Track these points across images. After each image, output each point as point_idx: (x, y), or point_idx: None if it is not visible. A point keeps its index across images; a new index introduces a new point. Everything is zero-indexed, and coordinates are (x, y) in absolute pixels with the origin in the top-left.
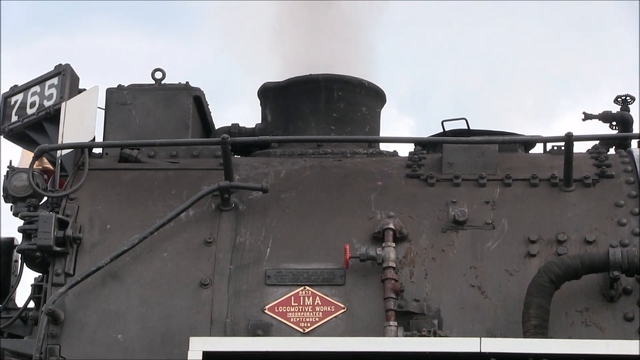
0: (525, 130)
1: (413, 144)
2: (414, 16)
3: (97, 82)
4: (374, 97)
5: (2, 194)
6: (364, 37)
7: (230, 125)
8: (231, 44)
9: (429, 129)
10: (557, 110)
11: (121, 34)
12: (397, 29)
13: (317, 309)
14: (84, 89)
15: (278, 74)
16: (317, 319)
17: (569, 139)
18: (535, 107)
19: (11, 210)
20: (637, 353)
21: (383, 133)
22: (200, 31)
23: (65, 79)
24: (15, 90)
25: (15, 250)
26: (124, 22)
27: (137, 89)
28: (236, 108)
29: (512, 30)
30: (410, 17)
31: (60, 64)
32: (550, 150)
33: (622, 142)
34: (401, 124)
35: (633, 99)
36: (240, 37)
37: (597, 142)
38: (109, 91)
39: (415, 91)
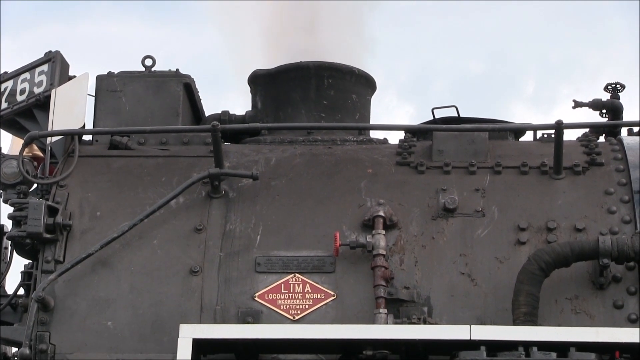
0: (526, 118)
1: (403, 132)
2: (414, 4)
3: (87, 69)
4: (364, 84)
5: None
6: (363, 25)
7: (220, 112)
8: (222, 30)
9: (429, 116)
10: (557, 97)
11: (113, 21)
12: (397, 16)
13: (307, 296)
14: (74, 76)
15: (271, 61)
16: (307, 307)
17: (559, 126)
18: (536, 95)
19: (1, 197)
20: (627, 340)
21: (382, 120)
22: (192, 19)
23: (55, 66)
24: (4, 77)
25: (5, 237)
26: (117, 8)
27: (127, 76)
28: (226, 96)
29: (513, 18)
30: (411, 5)
31: (50, 51)
32: (540, 138)
33: (612, 130)
34: (400, 111)
35: (623, 86)
36: (231, 24)
37: (587, 130)
38: (99, 78)
39: (415, 78)
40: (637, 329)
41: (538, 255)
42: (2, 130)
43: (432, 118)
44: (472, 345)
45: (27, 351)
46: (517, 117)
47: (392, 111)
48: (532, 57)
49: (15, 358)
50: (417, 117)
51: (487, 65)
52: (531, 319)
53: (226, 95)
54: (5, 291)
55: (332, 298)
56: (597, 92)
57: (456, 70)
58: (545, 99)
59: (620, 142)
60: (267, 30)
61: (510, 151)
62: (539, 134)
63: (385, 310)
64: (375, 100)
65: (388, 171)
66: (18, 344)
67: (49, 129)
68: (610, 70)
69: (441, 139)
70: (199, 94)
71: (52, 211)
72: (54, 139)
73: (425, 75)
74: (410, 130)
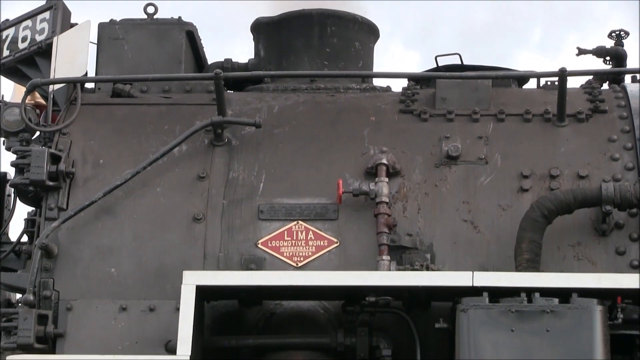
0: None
1: (406, 80)
2: None
3: (89, 16)
4: (367, 32)
5: None
6: None
7: (223, 60)
8: None
9: (434, 65)
10: (564, 45)
11: None
12: None
13: (310, 243)
14: (76, 24)
15: (274, 9)
16: (310, 254)
17: (563, 74)
18: (542, 43)
19: (3, 144)
20: (628, 286)
21: (387, 68)
22: None
23: (57, 13)
24: (6, 25)
25: (8, 185)
26: None
27: (129, 24)
28: (229, 44)
29: None
30: None
31: None
32: (543, 85)
33: (615, 77)
34: (406, 59)
35: (627, 33)
36: None
37: (590, 77)
38: (101, 26)
39: (422, 26)
40: (639, 275)
41: (541, 203)
42: (4, 78)
43: (435, 65)
44: (474, 291)
45: (31, 297)
46: (523, 65)
47: (398, 58)
48: (539, 5)
49: (19, 304)
50: (423, 65)
51: (494, 14)
52: (534, 266)
53: (229, 44)
54: (8, 238)
55: (335, 245)
56: (606, 38)
57: (463, 18)
58: (552, 47)
59: (624, 89)
60: None
61: (513, 99)
62: (543, 81)
63: (388, 257)
64: (381, 48)
65: (391, 119)
66: (22, 291)
67: (51, 76)
68: (618, 17)
69: (444, 86)
70: (202, 42)
71: (54, 159)
72: (57, 86)
73: (432, 23)
74: (413, 78)
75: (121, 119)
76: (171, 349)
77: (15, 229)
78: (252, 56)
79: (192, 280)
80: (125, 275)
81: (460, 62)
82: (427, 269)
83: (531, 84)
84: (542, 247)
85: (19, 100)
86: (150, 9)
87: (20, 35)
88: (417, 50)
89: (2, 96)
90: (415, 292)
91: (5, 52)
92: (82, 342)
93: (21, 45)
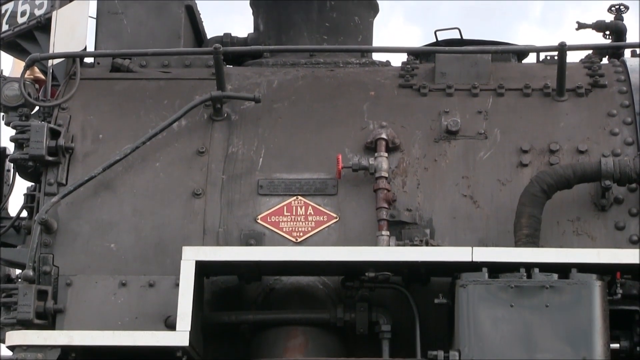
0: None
1: (406, 54)
2: None
3: None
4: (366, 6)
5: None
6: None
7: (222, 35)
8: None
9: (434, 39)
10: (564, 19)
11: None
12: None
13: (310, 218)
14: None
15: None
16: (309, 229)
17: (562, 48)
18: (543, 17)
19: (3, 119)
20: (628, 261)
21: (388, 42)
22: None
23: None
24: None
25: (7, 160)
26: None
27: None
28: (229, 18)
29: None
30: None
31: None
32: (543, 60)
33: (615, 52)
34: (407, 33)
35: (627, 8)
36: None
37: (590, 51)
38: (100, 0)
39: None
40: (638, 250)
41: (540, 178)
42: (3, 53)
43: (434, 40)
44: (474, 266)
45: (31, 273)
46: (523, 39)
47: (398, 33)
48: None
49: (19, 280)
50: (424, 39)
51: None
52: (533, 241)
53: (228, 18)
54: (8, 213)
55: (335, 220)
56: (606, 13)
57: None
58: (552, 20)
59: (624, 63)
60: None
61: (513, 73)
62: (542, 55)
63: (388, 233)
64: (382, 23)
65: (390, 94)
66: (21, 266)
67: (50, 51)
68: None
69: (444, 61)
70: (201, 16)
71: (54, 134)
72: (56, 61)
73: None
74: (412, 53)
75: (120, 93)
76: (171, 325)
77: (15, 204)
78: (252, 31)
79: (191, 255)
80: (125, 251)
81: (460, 37)
82: (427, 244)
83: (531, 58)
84: (542, 222)
85: (18, 75)
86: None
87: (20, 9)
88: (418, 25)
89: (2, 71)
90: (415, 268)
91: (5, 27)
92: (82, 317)
93: (20, 20)
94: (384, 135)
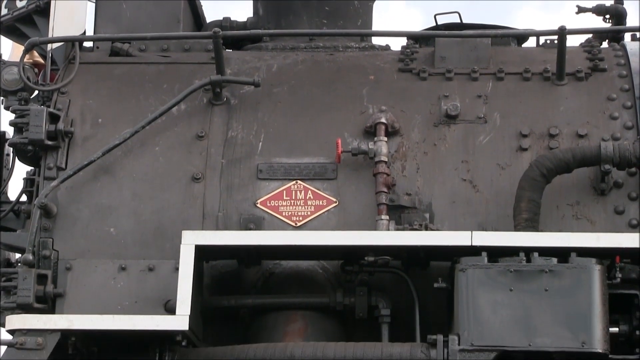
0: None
1: (406, 38)
2: None
3: None
4: None
5: None
6: None
7: (221, 19)
8: None
9: (433, 23)
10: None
11: None
12: None
13: (309, 202)
14: None
15: None
16: (309, 213)
17: (562, 32)
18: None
19: (2, 103)
20: (627, 245)
21: (388, 26)
22: None
23: None
24: None
25: (6, 144)
26: None
27: None
28: (228, 3)
29: None
30: None
31: None
32: (543, 44)
33: (615, 36)
34: (408, 17)
35: None
36: None
37: (590, 35)
38: None
39: None
40: (638, 234)
41: (540, 162)
42: (3, 37)
43: (434, 24)
44: (473, 251)
45: (30, 257)
46: (524, 22)
47: (399, 16)
48: None
49: (19, 264)
50: (425, 23)
51: None
52: (532, 225)
53: (228, 2)
54: (7, 198)
55: (334, 205)
56: None
57: None
58: (553, 4)
59: (624, 47)
60: None
61: (512, 57)
62: (542, 39)
63: (387, 217)
64: (382, 7)
65: (390, 78)
66: (21, 250)
67: (50, 35)
68: None
69: (443, 45)
70: (200, 0)
71: (53, 118)
72: (55, 45)
73: None
74: (412, 37)
75: (120, 77)
76: (170, 309)
77: (14, 189)
78: (251, 15)
79: (191, 240)
80: (124, 235)
81: (459, 21)
82: (426, 228)
83: (530, 42)
84: (541, 206)
85: (17, 59)
86: None
87: None
88: (418, 8)
89: (1, 55)
90: (414, 252)
91: (4, 11)
92: (82, 301)
93: (19, 4)
94: (383, 120)
